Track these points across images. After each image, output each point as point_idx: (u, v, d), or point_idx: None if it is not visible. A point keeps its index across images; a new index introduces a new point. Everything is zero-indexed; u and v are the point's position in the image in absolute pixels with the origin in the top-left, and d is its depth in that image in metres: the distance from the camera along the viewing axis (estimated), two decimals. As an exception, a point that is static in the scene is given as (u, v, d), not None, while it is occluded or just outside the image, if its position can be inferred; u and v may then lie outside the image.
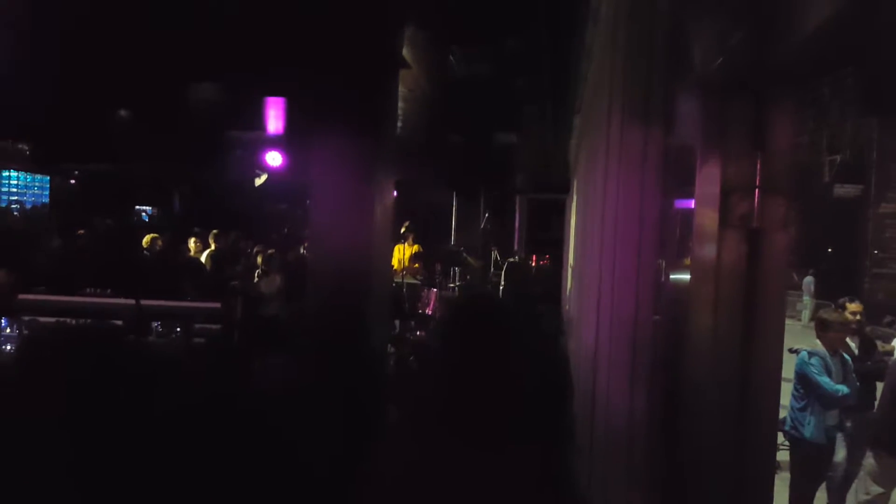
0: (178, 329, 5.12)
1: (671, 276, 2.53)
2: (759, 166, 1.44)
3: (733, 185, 1.45)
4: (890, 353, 5.08)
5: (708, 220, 1.49)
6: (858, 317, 5.10)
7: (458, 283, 9.24)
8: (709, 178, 1.49)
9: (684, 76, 1.97)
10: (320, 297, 4.98)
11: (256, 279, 7.70)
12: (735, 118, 1.46)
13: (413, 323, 7.97)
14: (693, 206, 1.60)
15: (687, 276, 1.70)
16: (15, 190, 23.65)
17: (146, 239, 9.11)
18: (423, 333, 7.50)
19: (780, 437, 5.38)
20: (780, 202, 1.42)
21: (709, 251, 1.49)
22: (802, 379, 4.57)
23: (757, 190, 1.43)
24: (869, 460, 4.51)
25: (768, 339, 1.44)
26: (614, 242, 2.84)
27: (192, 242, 9.80)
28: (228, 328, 5.68)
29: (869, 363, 4.92)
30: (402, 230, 9.30)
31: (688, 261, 1.75)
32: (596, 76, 4.53)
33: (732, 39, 1.45)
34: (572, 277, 8.00)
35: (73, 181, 21.66)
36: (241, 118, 9.17)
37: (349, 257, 4.92)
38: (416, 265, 9.48)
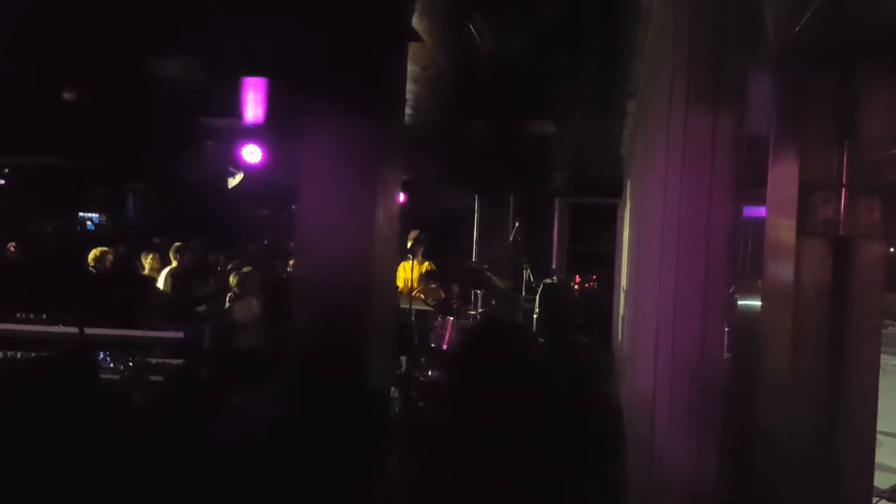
0: (131, 363, 5.18)
1: (743, 303, 2.54)
2: (846, 158, 1.43)
3: (814, 182, 1.44)
4: None
5: (783, 228, 1.50)
6: None
7: (480, 310, 9.26)
8: (784, 175, 1.50)
9: (760, 49, 2.00)
10: (308, 327, 5.03)
11: (229, 303, 7.76)
12: (816, 99, 1.46)
13: (423, 359, 7.98)
14: (766, 211, 1.62)
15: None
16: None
17: (93, 252, 9.22)
18: (435, 373, 7.52)
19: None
20: (873, 203, 1.42)
21: (784, 268, 1.50)
22: None
23: (844, 188, 1.43)
24: None
25: (860, 379, 1.44)
26: (676, 259, 2.85)
27: (149, 258, 9.90)
28: (193, 363, 5.73)
29: None
30: (410, 243, 9.33)
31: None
32: (655, 50, 4.56)
33: (814, 2, 1.48)
34: (625, 304, 7.99)
35: (1, 181, 21.94)
36: (212, 102, 9.28)
37: (344, 276, 4.97)
38: (433, 286, 9.51)
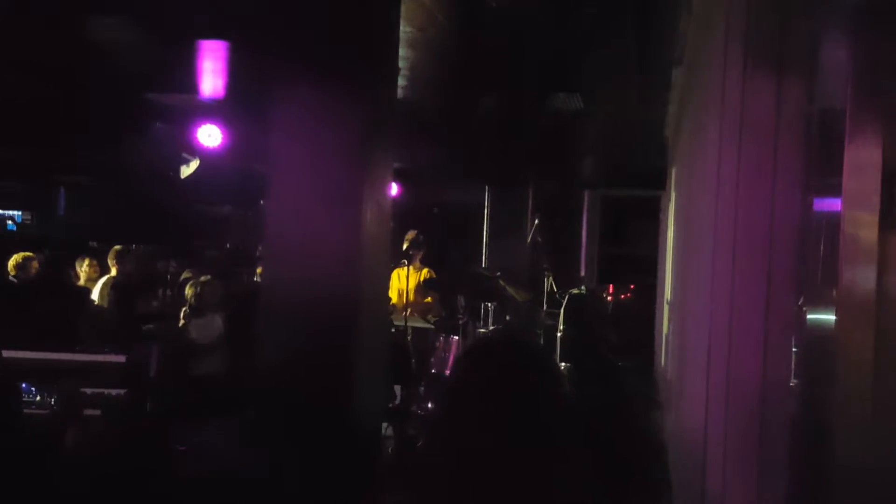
0: (62, 394, 5.19)
1: (814, 316, 2.54)
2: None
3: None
4: None
5: (862, 223, 1.50)
6: None
7: (492, 328, 9.26)
8: (864, 158, 1.50)
9: (832, 4, 2.00)
10: (280, 349, 5.03)
11: (183, 320, 7.77)
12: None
13: (422, 389, 7.99)
14: (841, 204, 1.62)
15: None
16: None
17: (14, 258, 9.24)
18: (437, 406, 7.51)
19: None
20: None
21: (864, 273, 1.49)
22: None
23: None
24: None
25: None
26: (732, 264, 2.86)
27: (84, 265, 9.91)
28: (139, 394, 5.74)
29: None
30: (406, 245, 9.34)
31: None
32: (705, 8, 4.57)
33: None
34: (670, 319, 7.99)
35: None
36: (161, 74, 9.30)
37: (325, 287, 4.97)
38: (428, 299, 9.51)
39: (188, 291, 7.93)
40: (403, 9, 5.62)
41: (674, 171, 8.74)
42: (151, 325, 8.31)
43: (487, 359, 2.00)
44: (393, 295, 9.13)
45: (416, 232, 9.53)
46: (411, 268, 9.22)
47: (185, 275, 9.35)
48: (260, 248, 12.32)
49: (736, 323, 2.75)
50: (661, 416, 7.51)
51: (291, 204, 4.98)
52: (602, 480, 1.90)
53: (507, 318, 9.83)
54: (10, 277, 9.13)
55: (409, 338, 8.44)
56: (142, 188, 14.74)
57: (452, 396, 1.99)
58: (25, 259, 9.26)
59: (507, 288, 8.86)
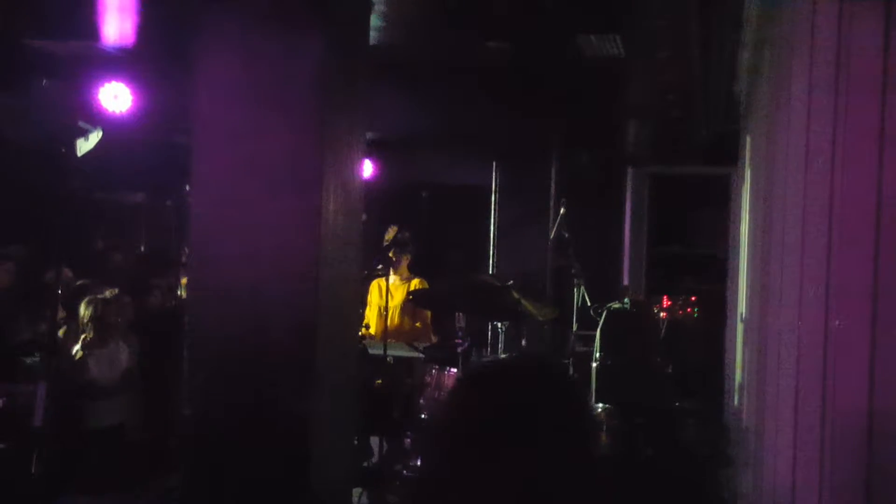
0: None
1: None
2: None
3: None
4: None
5: None
6: None
7: (503, 356, 9.24)
8: None
9: None
10: (212, 389, 5.02)
11: (79, 352, 7.75)
12: None
13: (408, 441, 7.98)
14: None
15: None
16: None
17: None
18: (426, 459, 7.51)
19: None
20: None
21: None
22: None
23: None
24: None
25: None
26: (827, 262, 2.86)
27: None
28: (20, 450, 5.75)
29: None
30: (386, 242, 9.34)
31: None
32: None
33: None
34: (745, 342, 8.00)
35: None
36: (48, 14, 9.31)
37: (273, 305, 4.96)
38: (417, 325, 9.51)
39: (84, 311, 7.89)
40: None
41: (748, 141, 8.75)
42: (36, 358, 8.30)
43: (502, 390, 1.95)
44: (370, 314, 9.13)
45: (397, 228, 9.51)
46: (395, 277, 9.22)
47: (79, 284, 9.33)
48: (185, 250, 12.32)
49: (834, 345, 2.75)
50: (733, 474, 7.52)
51: (226, 189, 4.98)
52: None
53: (524, 342, 9.82)
54: None
55: (390, 371, 8.44)
56: (22, 170, 14.76)
57: (470, 444, 1.95)
58: None
59: (523, 302, 8.83)
